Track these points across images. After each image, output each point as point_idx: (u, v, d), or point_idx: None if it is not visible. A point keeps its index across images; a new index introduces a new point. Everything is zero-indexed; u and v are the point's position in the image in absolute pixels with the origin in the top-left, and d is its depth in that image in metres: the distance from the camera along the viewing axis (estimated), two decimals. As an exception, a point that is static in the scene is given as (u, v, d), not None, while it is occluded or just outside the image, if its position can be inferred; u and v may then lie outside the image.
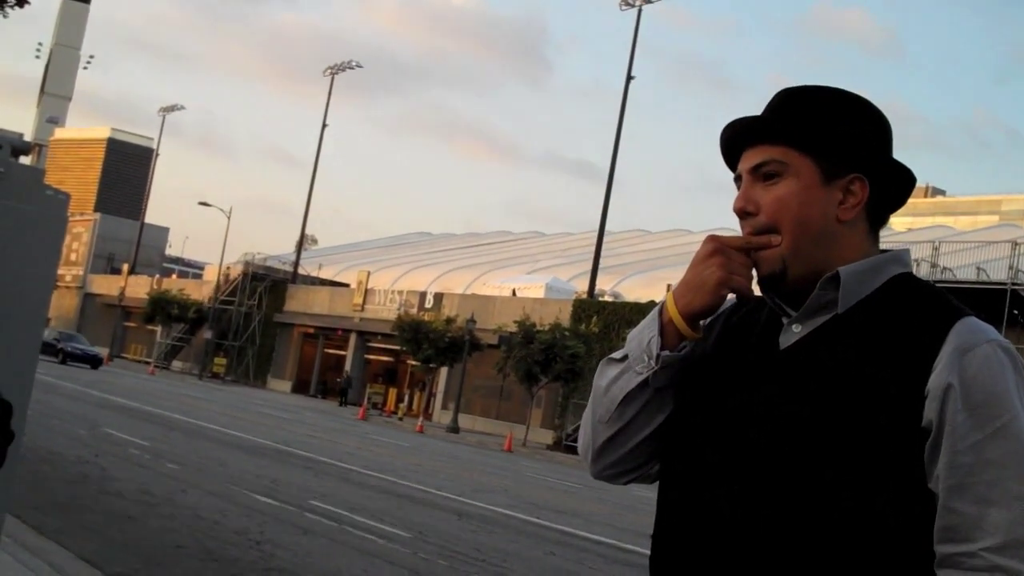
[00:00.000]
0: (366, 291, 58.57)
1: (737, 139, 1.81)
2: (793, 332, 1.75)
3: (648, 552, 1.82)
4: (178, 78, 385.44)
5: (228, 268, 66.67)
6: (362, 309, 58.28)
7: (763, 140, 1.76)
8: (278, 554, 9.36)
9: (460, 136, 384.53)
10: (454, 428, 42.59)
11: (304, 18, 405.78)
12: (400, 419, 46.77)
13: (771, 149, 1.75)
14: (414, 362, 50.39)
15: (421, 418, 45.60)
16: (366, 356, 60.23)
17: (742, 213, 1.77)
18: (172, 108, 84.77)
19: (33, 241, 3.89)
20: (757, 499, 1.64)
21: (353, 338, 59.18)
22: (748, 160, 1.77)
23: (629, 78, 48.00)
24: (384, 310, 55.84)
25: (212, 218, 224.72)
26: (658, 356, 1.75)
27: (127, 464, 14.12)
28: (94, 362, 47.98)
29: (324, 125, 68.02)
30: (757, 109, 1.84)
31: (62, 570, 7.49)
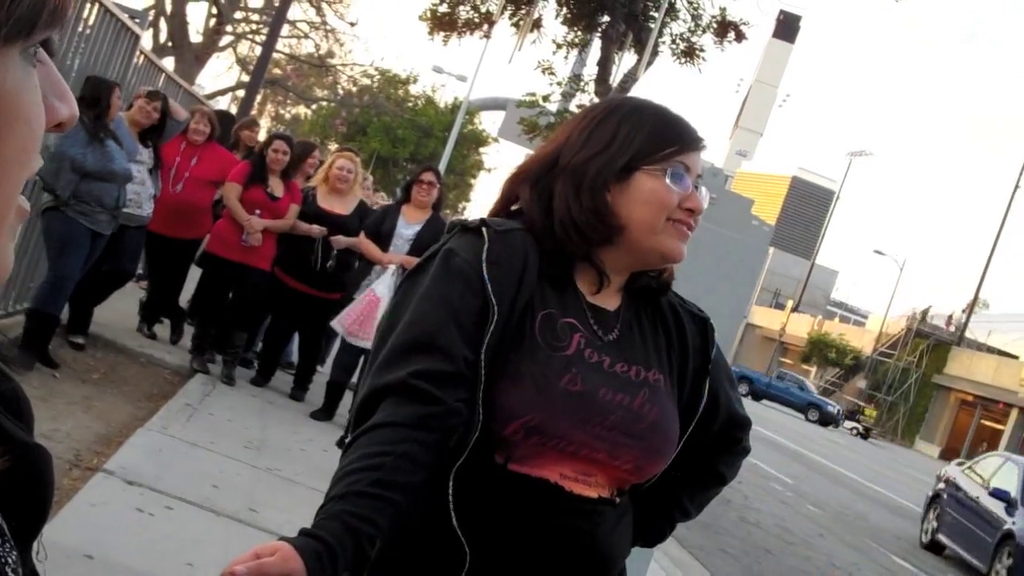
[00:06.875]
0: (1037, 366, 54.13)
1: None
2: None
3: None
4: (869, 122, 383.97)
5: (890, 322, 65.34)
6: (1033, 384, 53.91)
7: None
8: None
9: None
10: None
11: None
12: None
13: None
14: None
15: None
16: (1027, 436, 55.59)
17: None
18: (860, 153, 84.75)
19: (735, 269, 4.01)
20: None
21: (1015, 414, 54.93)
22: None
23: None
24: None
25: (884, 267, 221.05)
26: None
27: (769, 497, 14.33)
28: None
29: (1016, 187, 63.95)
30: None
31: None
